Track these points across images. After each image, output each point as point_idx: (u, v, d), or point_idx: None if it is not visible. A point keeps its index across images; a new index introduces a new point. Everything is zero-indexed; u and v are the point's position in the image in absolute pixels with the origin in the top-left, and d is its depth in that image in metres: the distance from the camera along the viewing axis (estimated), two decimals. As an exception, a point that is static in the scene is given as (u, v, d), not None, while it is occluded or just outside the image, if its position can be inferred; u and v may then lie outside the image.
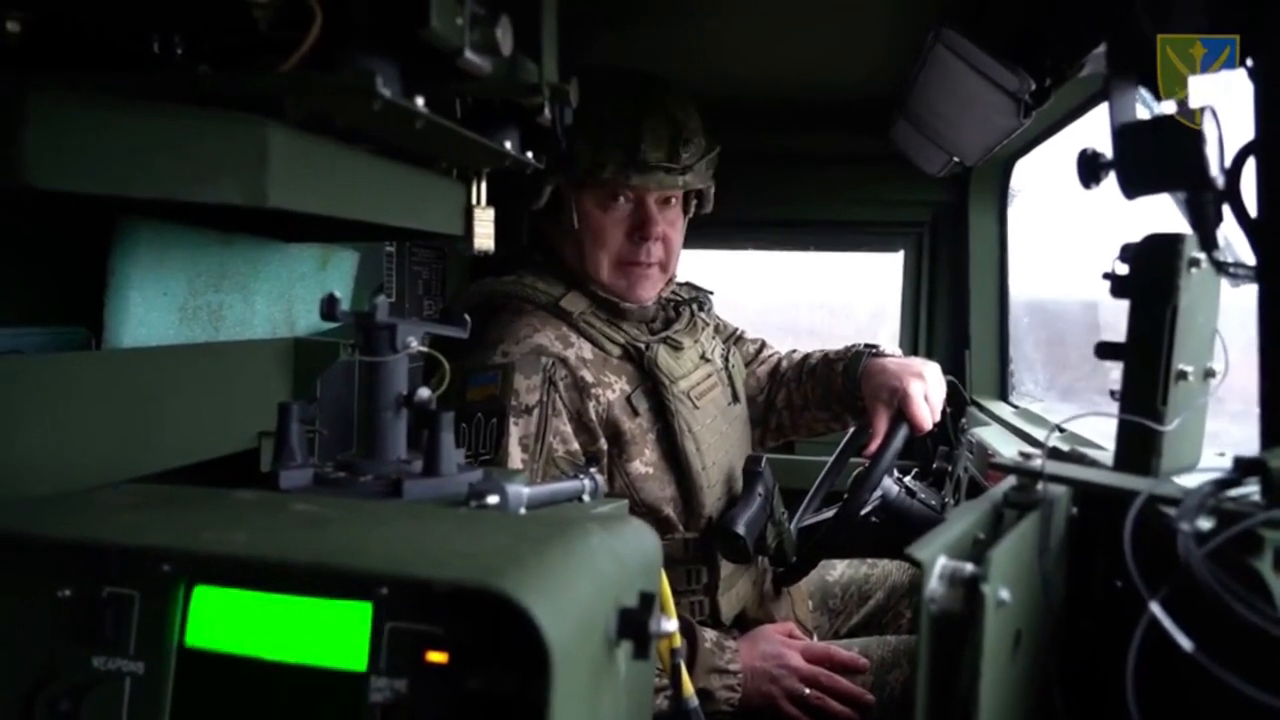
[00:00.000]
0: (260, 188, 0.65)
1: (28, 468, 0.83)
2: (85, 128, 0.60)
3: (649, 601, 0.58)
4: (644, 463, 1.47)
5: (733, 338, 1.88)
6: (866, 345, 1.76)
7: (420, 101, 0.70)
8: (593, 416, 1.42)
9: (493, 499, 0.70)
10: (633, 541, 0.66)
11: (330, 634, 0.59)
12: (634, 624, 0.56)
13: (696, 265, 2.40)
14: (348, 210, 0.77)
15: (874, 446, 1.61)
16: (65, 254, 0.98)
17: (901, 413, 1.59)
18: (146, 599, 0.63)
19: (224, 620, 0.61)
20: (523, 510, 0.74)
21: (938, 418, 1.63)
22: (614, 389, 1.46)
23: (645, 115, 1.45)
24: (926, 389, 1.60)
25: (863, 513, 1.63)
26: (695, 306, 1.70)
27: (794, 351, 1.91)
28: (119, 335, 0.97)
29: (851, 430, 1.86)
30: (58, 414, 0.86)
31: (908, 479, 1.78)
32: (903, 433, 1.59)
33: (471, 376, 1.40)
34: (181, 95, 0.64)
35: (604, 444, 1.44)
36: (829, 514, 1.74)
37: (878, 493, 1.66)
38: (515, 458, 1.34)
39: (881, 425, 1.62)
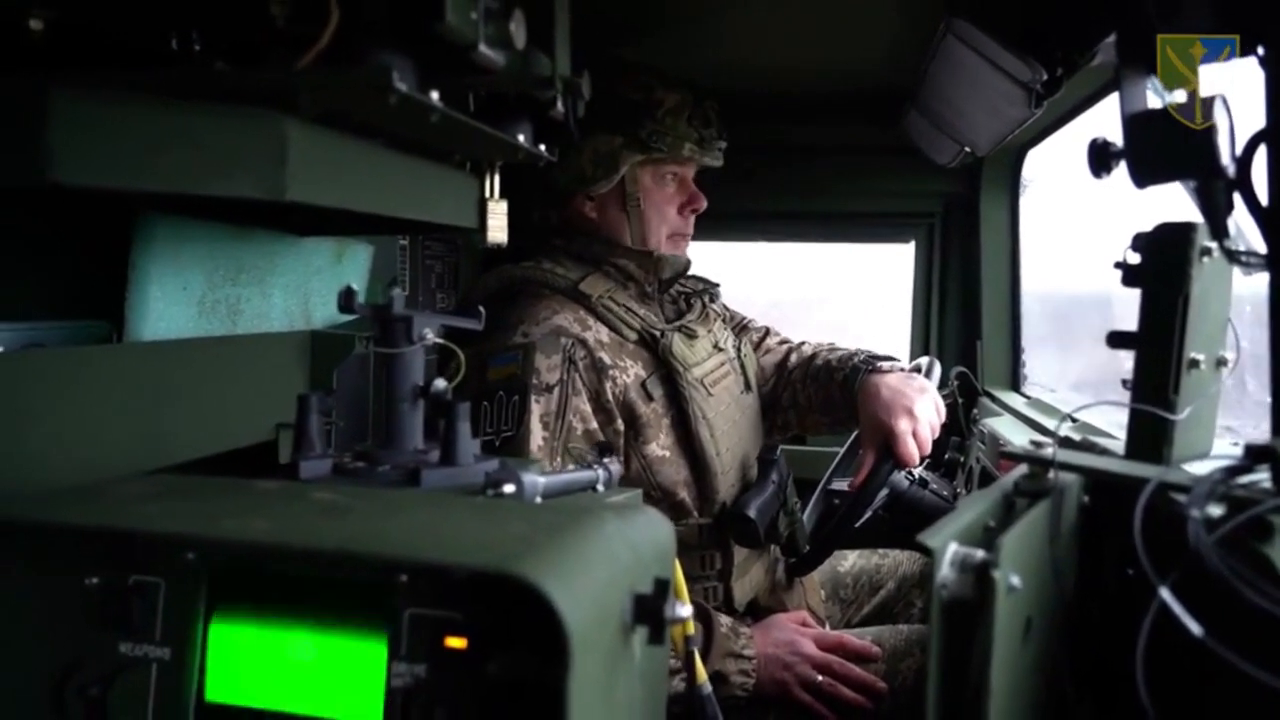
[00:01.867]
0: (279, 182, 0.66)
1: (50, 459, 0.85)
2: (107, 124, 0.61)
3: (664, 587, 0.59)
4: (660, 446, 1.49)
5: (740, 326, 1.89)
6: (865, 360, 1.72)
7: (435, 95, 0.71)
8: (610, 398, 1.44)
9: (509, 488, 0.71)
10: (646, 529, 0.67)
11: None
12: (649, 609, 0.57)
13: (708, 258, 2.39)
14: (363, 204, 0.78)
15: (860, 479, 1.61)
16: (86, 249, 1.00)
17: (889, 448, 1.58)
18: (172, 586, 0.64)
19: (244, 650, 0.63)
20: (538, 499, 0.75)
21: (927, 450, 1.60)
22: (629, 373, 1.48)
23: (701, 100, 1.58)
24: (915, 426, 1.57)
25: (861, 521, 1.63)
26: (706, 298, 1.72)
27: (803, 344, 1.91)
28: (139, 329, 0.98)
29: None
30: (79, 406, 0.88)
31: (919, 469, 1.79)
32: (888, 468, 1.59)
33: (492, 358, 1.42)
34: (200, 91, 0.65)
35: (620, 425, 1.46)
36: (842, 484, 1.75)
37: (883, 493, 1.66)
38: (537, 434, 1.37)
39: (868, 459, 1.61)
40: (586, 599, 0.52)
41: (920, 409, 1.58)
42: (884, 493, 1.66)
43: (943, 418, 1.64)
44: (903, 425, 1.56)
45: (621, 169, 1.54)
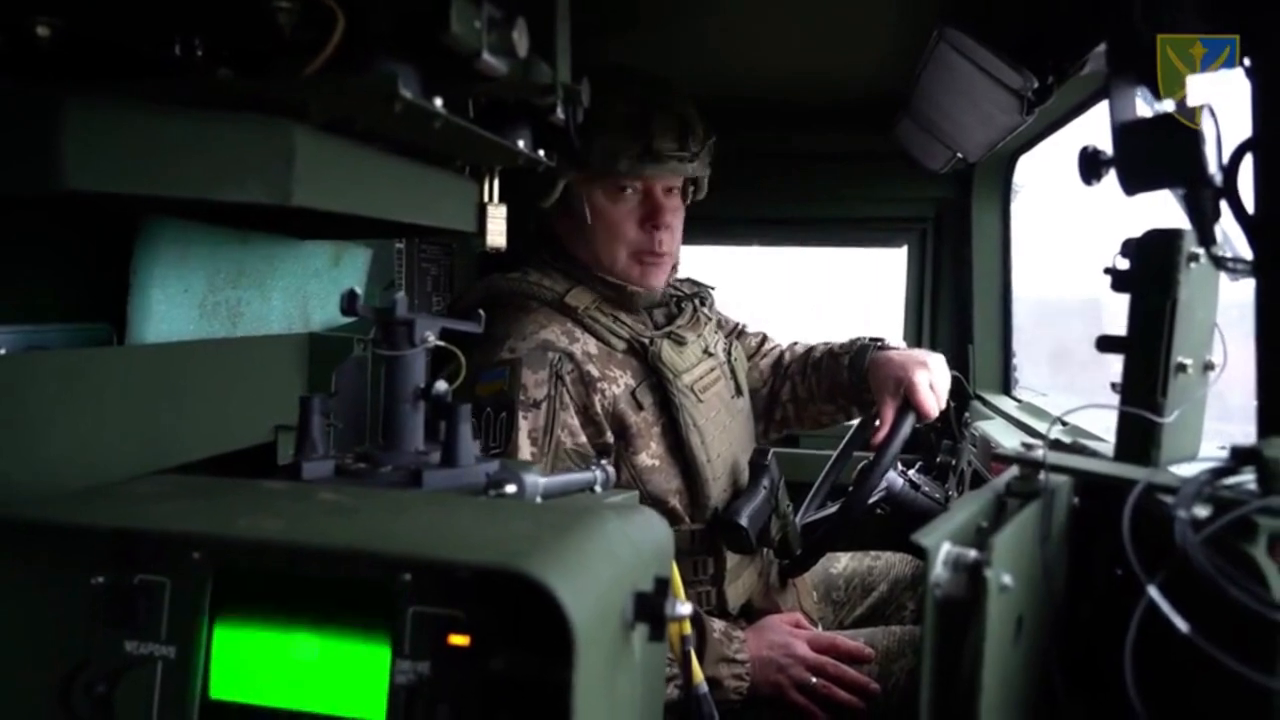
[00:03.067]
0: (285, 187, 0.67)
1: (52, 461, 0.86)
2: (120, 132, 0.62)
3: (664, 585, 0.60)
4: (650, 455, 1.49)
5: (734, 332, 1.90)
6: (871, 339, 1.78)
7: (439, 103, 0.72)
8: (599, 410, 1.44)
9: (510, 488, 0.72)
10: (645, 529, 0.68)
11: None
12: (650, 607, 0.59)
13: (701, 262, 2.41)
14: (367, 208, 0.79)
15: (881, 435, 1.64)
16: (89, 253, 1.01)
17: (908, 402, 1.62)
18: (177, 585, 0.65)
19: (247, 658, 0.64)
20: (539, 499, 0.76)
21: (943, 405, 1.66)
22: (619, 383, 1.48)
23: (654, 110, 1.50)
24: (932, 378, 1.63)
25: (870, 501, 1.65)
26: (697, 302, 1.72)
27: (796, 344, 1.93)
28: (141, 331, 0.99)
29: (856, 423, 1.88)
30: (81, 408, 0.88)
31: (911, 472, 1.80)
32: (909, 421, 1.62)
33: (479, 373, 1.42)
34: (210, 99, 0.66)
35: (610, 437, 1.46)
36: (833, 509, 1.76)
37: (884, 483, 1.69)
38: (525, 451, 1.37)
39: (889, 415, 1.64)
40: (590, 596, 0.53)
41: (934, 363, 1.66)
42: (883, 485, 1.68)
43: (949, 384, 1.70)
44: (920, 375, 1.62)
45: (559, 185, 1.49)
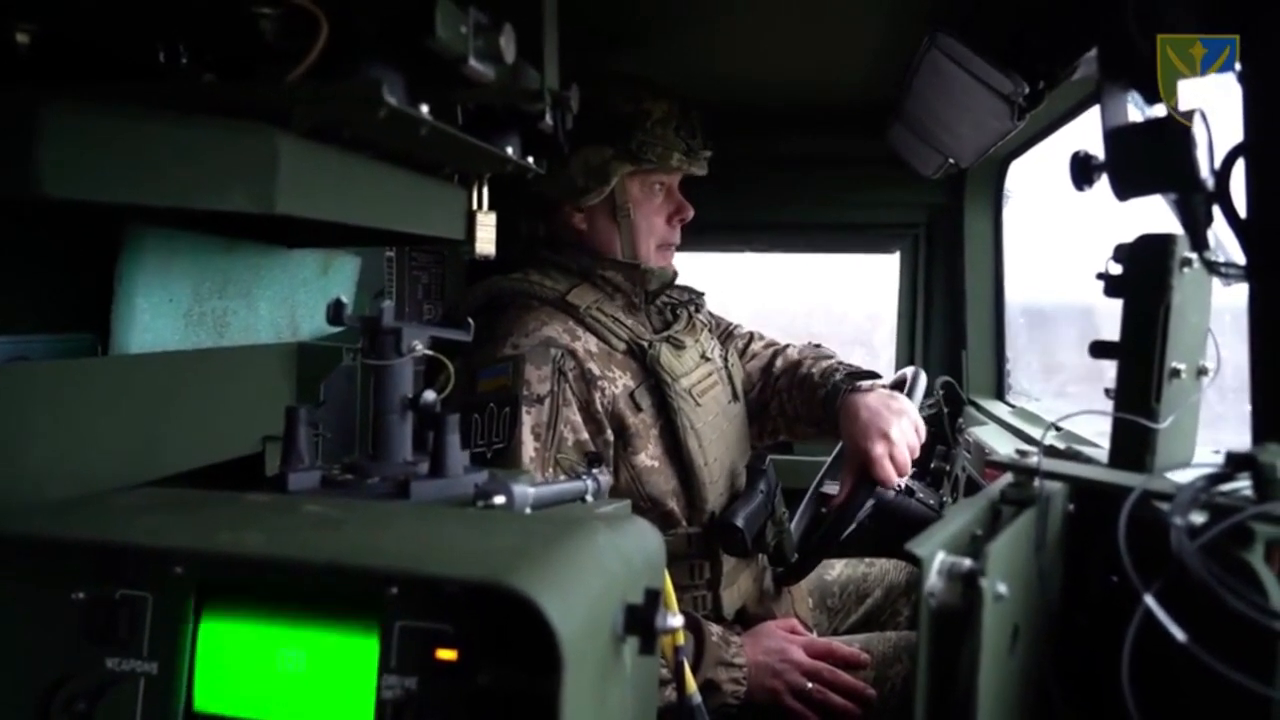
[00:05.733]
0: (269, 195, 0.66)
1: (35, 473, 0.84)
2: (97, 138, 0.61)
3: (654, 598, 0.59)
4: (649, 456, 1.49)
5: (725, 333, 1.90)
6: (844, 378, 1.69)
7: (425, 109, 0.71)
8: (599, 408, 1.45)
9: (499, 499, 0.71)
10: (637, 540, 0.68)
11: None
12: (640, 620, 0.58)
13: (693, 269, 2.40)
14: (353, 216, 0.78)
15: (838, 502, 1.62)
16: (72, 261, 0.99)
17: (867, 473, 1.57)
18: (159, 601, 0.64)
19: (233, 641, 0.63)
20: (528, 510, 0.75)
21: (906, 472, 1.59)
22: (618, 383, 1.49)
23: (688, 109, 1.60)
24: (892, 449, 1.55)
25: (845, 534, 1.64)
26: (692, 309, 1.73)
27: (788, 348, 1.92)
28: (126, 341, 0.98)
29: None
30: (65, 420, 0.87)
31: (905, 479, 1.80)
32: (867, 490, 1.58)
33: (482, 369, 1.43)
34: (192, 105, 0.65)
35: (610, 435, 1.46)
36: (833, 486, 1.75)
37: (867, 506, 1.66)
38: (529, 445, 1.37)
39: (848, 481, 1.61)
40: (579, 610, 0.52)
41: (896, 432, 1.56)
42: (868, 505, 1.67)
43: (922, 438, 1.63)
44: (879, 450, 1.55)
45: (613, 180, 1.55)
